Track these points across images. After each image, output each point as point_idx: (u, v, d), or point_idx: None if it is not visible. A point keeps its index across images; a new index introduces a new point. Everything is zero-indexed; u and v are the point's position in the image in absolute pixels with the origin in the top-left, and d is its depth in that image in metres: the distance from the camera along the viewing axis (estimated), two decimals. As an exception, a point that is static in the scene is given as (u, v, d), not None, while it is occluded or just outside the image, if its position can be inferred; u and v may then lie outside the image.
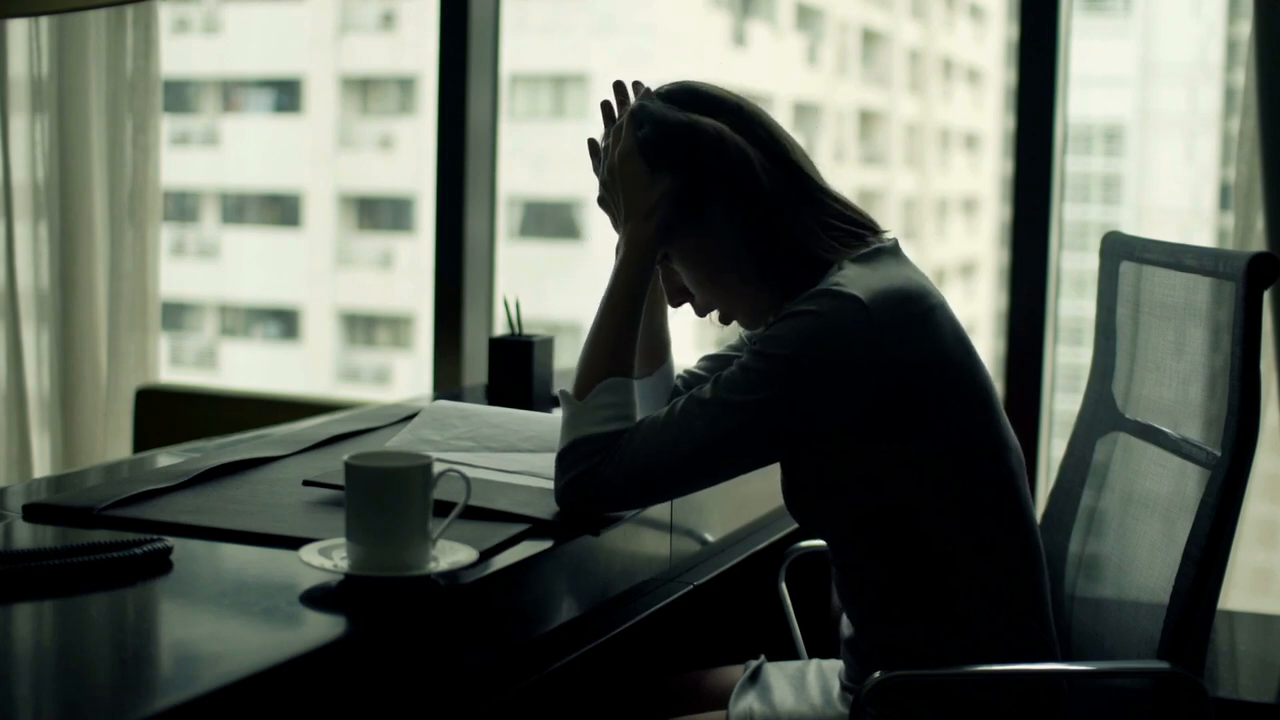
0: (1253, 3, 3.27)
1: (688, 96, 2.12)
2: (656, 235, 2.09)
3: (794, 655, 2.52)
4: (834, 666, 2.32)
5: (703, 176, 2.06)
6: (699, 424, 1.97)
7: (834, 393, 1.94)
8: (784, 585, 2.55)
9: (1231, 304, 2.10)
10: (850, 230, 2.09)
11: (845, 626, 2.19)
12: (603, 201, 2.17)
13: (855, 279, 1.98)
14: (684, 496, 2.20)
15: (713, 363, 2.29)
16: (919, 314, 1.99)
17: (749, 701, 2.21)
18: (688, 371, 2.30)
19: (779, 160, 2.09)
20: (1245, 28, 3.27)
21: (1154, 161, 33.34)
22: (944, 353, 2.01)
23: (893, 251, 2.08)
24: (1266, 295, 2.13)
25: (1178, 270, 2.24)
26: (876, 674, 2.00)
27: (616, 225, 2.15)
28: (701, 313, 2.18)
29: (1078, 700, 2.23)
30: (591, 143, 2.21)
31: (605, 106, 2.23)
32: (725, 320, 2.17)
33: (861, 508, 2.02)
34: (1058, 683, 2.12)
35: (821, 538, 2.15)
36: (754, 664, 2.31)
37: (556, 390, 2.17)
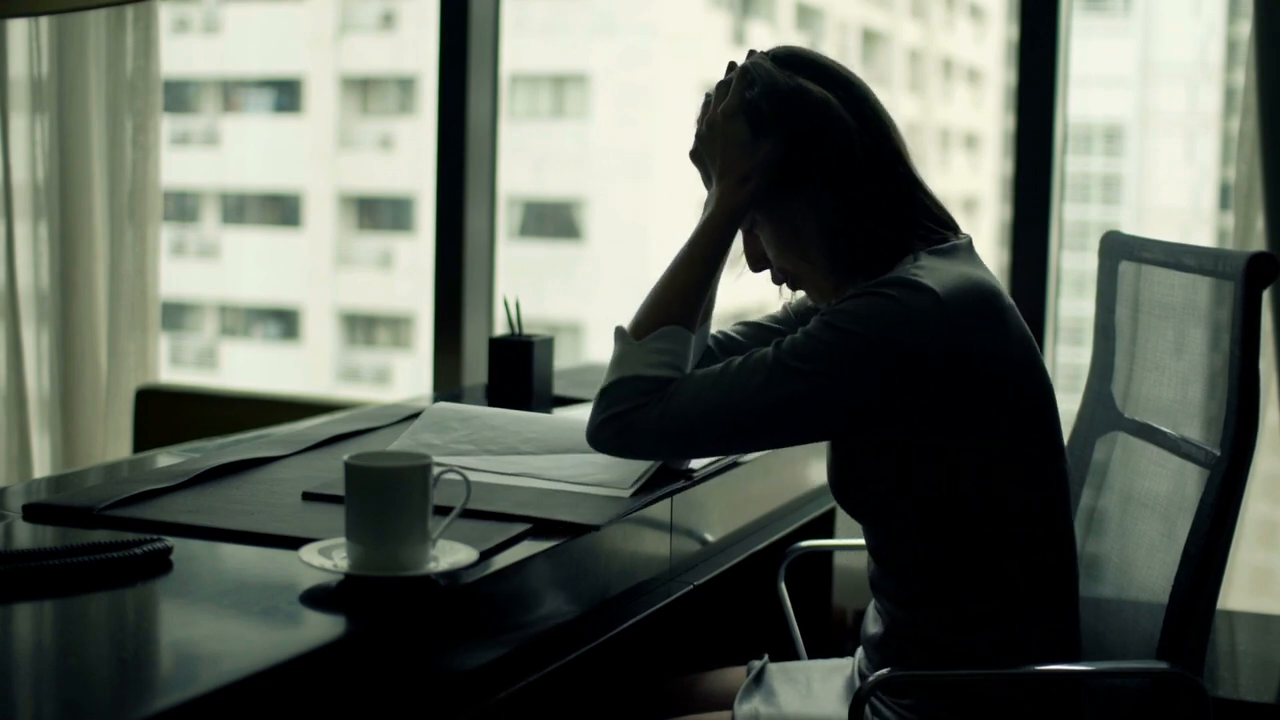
0: (1253, 3, 3.27)
1: (800, 62, 2.10)
2: (749, 199, 2.07)
3: (793, 655, 2.52)
4: (839, 667, 2.33)
5: (805, 146, 2.04)
6: (755, 385, 1.96)
7: (896, 378, 1.94)
8: (783, 585, 2.55)
9: (1230, 304, 2.10)
10: (932, 224, 2.08)
11: (871, 623, 2.19)
12: (695, 155, 2.14)
13: (932, 271, 1.97)
14: (711, 457, 2.22)
15: (749, 329, 2.29)
16: (991, 312, 1.99)
17: (754, 703, 2.21)
18: (723, 334, 2.28)
19: (879, 141, 2.08)
20: (1245, 28, 3.27)
21: (1154, 161, 33.34)
22: (1011, 353, 2.01)
23: (968, 249, 2.08)
24: (1266, 295, 2.13)
25: (1177, 270, 2.24)
26: (884, 670, 2.00)
27: (707, 181, 2.13)
28: (777, 280, 2.17)
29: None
30: (707, 95, 2.17)
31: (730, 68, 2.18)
32: (795, 288, 2.17)
33: (912, 499, 2.02)
34: (1075, 683, 2.12)
35: (865, 524, 2.14)
36: (757, 665, 2.31)
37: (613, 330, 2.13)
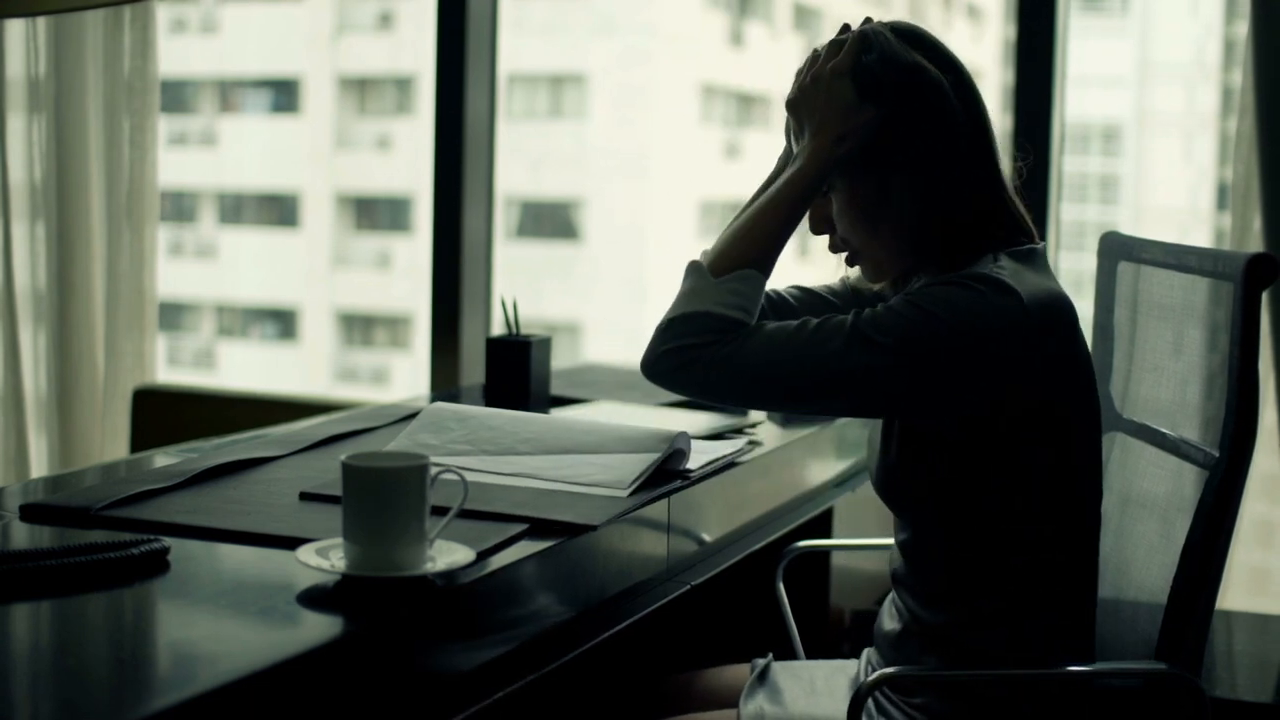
0: (1250, 3, 3.27)
1: (919, 40, 2.09)
2: (840, 160, 2.06)
3: (791, 655, 2.52)
4: (843, 668, 2.33)
5: (910, 122, 2.04)
6: (830, 348, 1.95)
7: (967, 369, 1.94)
8: (781, 585, 2.55)
9: (1228, 304, 2.10)
10: (1012, 226, 2.09)
11: (887, 619, 2.19)
12: (793, 105, 2.11)
13: (1015, 275, 1.98)
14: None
15: (804, 294, 2.28)
16: (1067, 325, 2.00)
17: (759, 702, 2.21)
18: (775, 294, 2.27)
19: (980, 135, 2.08)
20: (1243, 28, 3.27)
21: (1152, 161, 33.35)
22: (1077, 368, 2.02)
23: (1042, 257, 2.08)
24: (1265, 295, 2.13)
25: (1176, 270, 2.24)
26: (887, 670, 2.01)
27: (797, 135, 2.11)
28: (834, 249, 2.16)
29: (1075, 700, 2.23)
30: (815, 51, 2.15)
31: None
32: (852, 262, 2.16)
33: (961, 495, 2.03)
34: (1085, 683, 2.12)
35: (904, 516, 2.14)
36: (762, 663, 2.31)
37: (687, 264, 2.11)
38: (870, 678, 2.00)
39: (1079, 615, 2.09)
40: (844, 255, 2.16)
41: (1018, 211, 2.10)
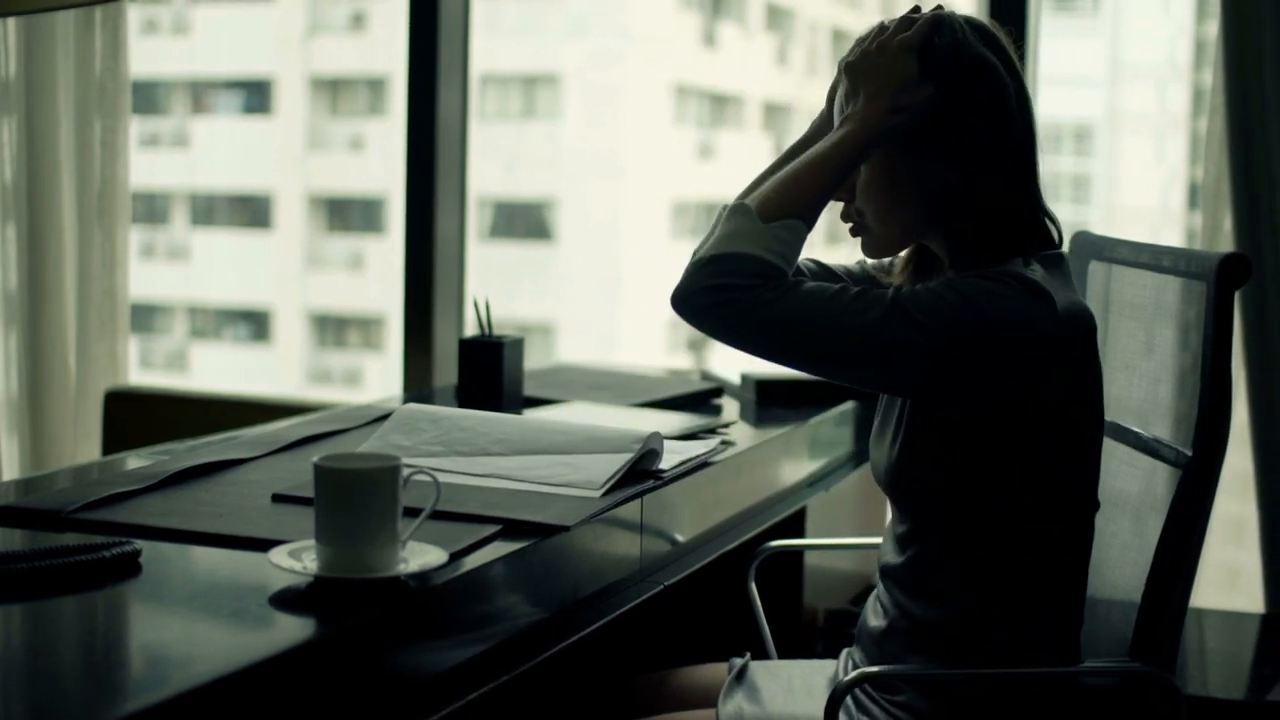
0: (1220, 3, 3.29)
1: (990, 37, 2.10)
2: (890, 130, 2.06)
3: (763, 655, 2.52)
4: (821, 668, 2.33)
5: (966, 111, 2.04)
6: (869, 317, 1.95)
7: (996, 362, 1.96)
8: (754, 585, 2.55)
9: (1199, 303, 2.11)
10: (1043, 235, 2.09)
11: (872, 616, 2.19)
12: (851, 68, 2.10)
13: (1046, 282, 1.99)
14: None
15: (818, 268, 2.27)
16: (1089, 336, 2.02)
17: (738, 701, 2.21)
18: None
19: (1028, 142, 2.09)
20: (1213, 28, 3.29)
21: (1123, 161, 33.41)
22: (1093, 378, 2.05)
23: (1067, 266, 2.10)
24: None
25: (1147, 270, 2.25)
26: (871, 668, 2.02)
27: (847, 97, 2.11)
28: (845, 217, 2.16)
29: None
30: (882, 23, 2.15)
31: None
32: (856, 233, 2.16)
33: (969, 489, 2.04)
34: (1068, 682, 2.13)
35: (908, 509, 2.14)
36: (739, 663, 2.31)
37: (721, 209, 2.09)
38: (849, 676, 2.01)
39: (1075, 616, 2.11)
40: (849, 226, 2.17)
41: (1049, 220, 2.11)
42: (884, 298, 1.96)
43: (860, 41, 2.13)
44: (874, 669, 2.05)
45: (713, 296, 1.99)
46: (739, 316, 1.99)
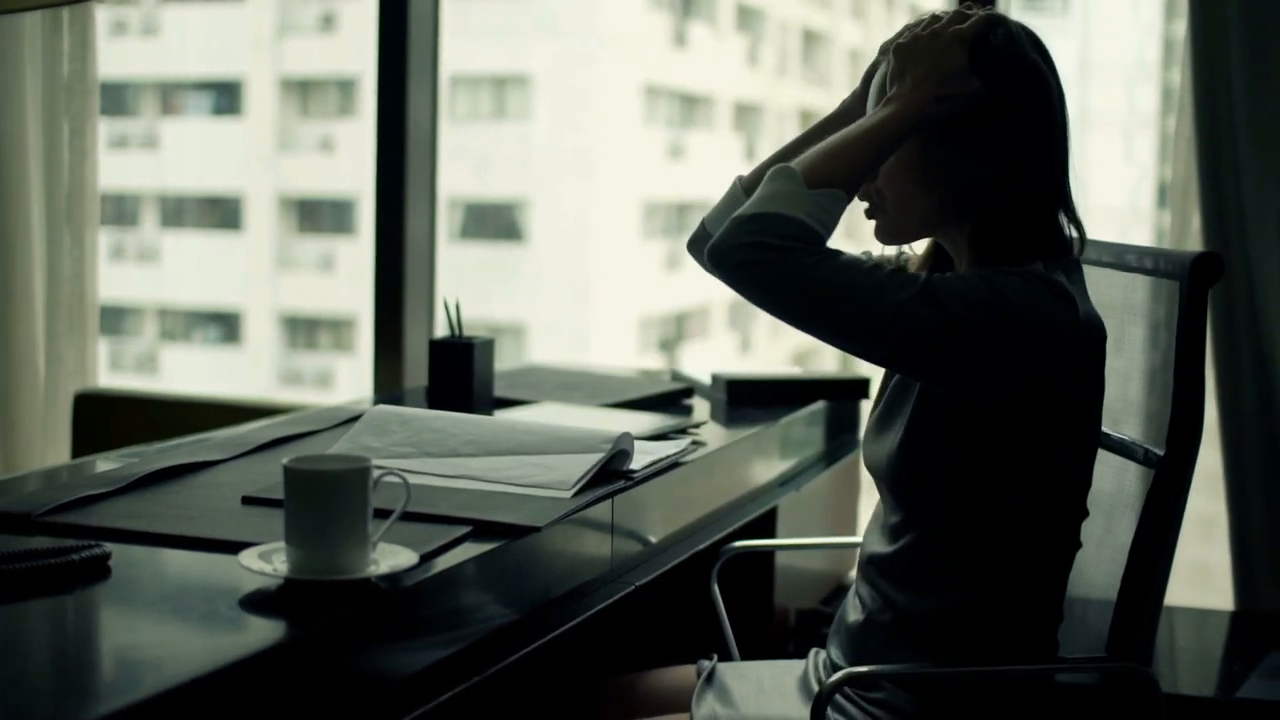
0: (1188, 3, 3.30)
1: (1040, 46, 2.12)
2: (932, 117, 2.06)
3: (727, 656, 2.51)
4: (790, 668, 2.33)
5: (1008, 110, 2.06)
6: (902, 296, 1.95)
7: (1020, 358, 1.98)
8: (716, 587, 2.54)
9: (1169, 302, 2.11)
10: (1061, 242, 2.10)
11: (851, 610, 2.19)
12: (901, 49, 2.11)
13: (1068, 286, 2.01)
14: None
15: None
16: (1101, 345, 2.05)
17: (711, 704, 2.21)
18: None
19: (1064, 150, 2.10)
20: (1182, 27, 3.30)
21: (1093, 160, 33.53)
22: (1099, 385, 2.07)
23: (1082, 273, 2.11)
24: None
25: (1116, 269, 2.26)
26: (859, 668, 2.02)
27: (890, 79, 2.11)
28: (865, 195, 2.16)
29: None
30: (934, 14, 2.16)
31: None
32: (871, 215, 2.17)
33: (970, 484, 2.05)
34: (1048, 679, 2.13)
35: (904, 499, 2.14)
36: (708, 665, 2.31)
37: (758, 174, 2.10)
38: (834, 677, 2.00)
39: (1056, 613, 2.12)
40: (866, 206, 2.17)
41: (1077, 227, 2.13)
42: (917, 280, 1.97)
43: (910, 27, 2.14)
44: (861, 669, 2.04)
45: (751, 254, 1.98)
46: (774, 277, 1.97)
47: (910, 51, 2.09)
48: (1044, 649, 2.11)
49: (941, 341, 1.95)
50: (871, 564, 2.17)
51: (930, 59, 2.06)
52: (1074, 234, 2.11)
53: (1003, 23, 2.10)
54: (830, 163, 2.04)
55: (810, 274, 1.96)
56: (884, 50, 2.19)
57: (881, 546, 2.16)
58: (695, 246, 2.39)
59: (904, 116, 2.05)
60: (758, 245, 1.97)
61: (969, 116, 2.06)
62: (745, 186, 2.33)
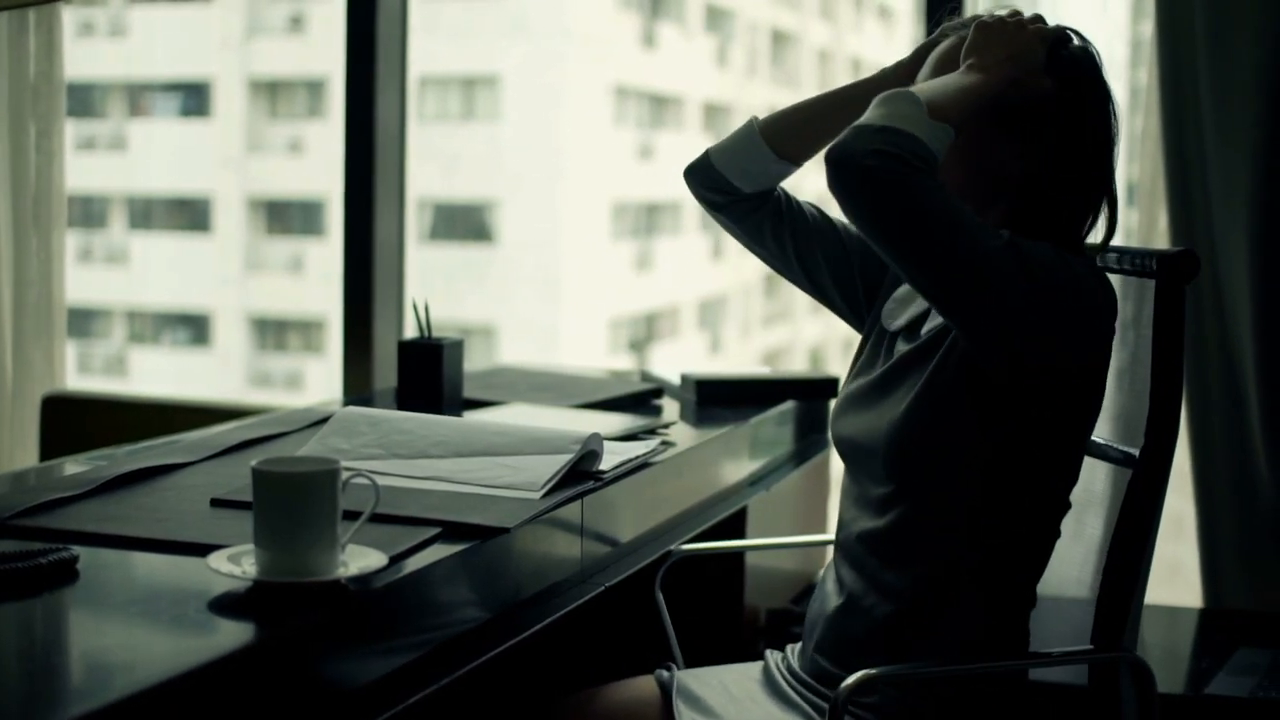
0: (1154, 3, 3.31)
1: (1103, 67, 2.18)
2: (1002, 97, 2.10)
3: (674, 661, 2.49)
4: (747, 671, 2.33)
5: (1078, 119, 2.11)
6: (992, 242, 1.97)
7: (1082, 328, 2.02)
8: (660, 593, 2.53)
9: (1137, 300, 2.12)
10: (1075, 241, 2.15)
11: (834, 596, 2.19)
12: (985, 28, 2.13)
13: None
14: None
15: (820, 215, 2.42)
16: (1115, 333, 2.09)
17: (689, 716, 2.20)
18: (800, 200, 2.42)
19: (1109, 172, 2.15)
20: (1148, 27, 3.32)
21: (1061, 160, 33.62)
22: (1104, 385, 2.12)
23: None
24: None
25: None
26: (872, 670, 2.00)
27: (966, 50, 2.13)
28: None
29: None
30: (1015, 10, 2.19)
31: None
32: None
33: (977, 470, 2.07)
34: (1021, 678, 2.14)
35: (902, 474, 2.12)
36: (667, 675, 2.30)
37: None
38: (851, 679, 1.97)
39: (1029, 599, 2.15)
40: None
41: (1106, 225, 2.17)
42: (1003, 235, 2.01)
43: (988, 14, 2.18)
44: (874, 670, 2.00)
45: (880, 160, 1.95)
46: (894, 191, 1.96)
47: (994, 31, 2.12)
48: (1017, 633, 2.13)
49: (1013, 294, 1.97)
50: (860, 541, 2.17)
51: (1013, 46, 2.10)
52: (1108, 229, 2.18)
53: (1080, 36, 2.17)
54: (941, 98, 2.05)
55: (929, 197, 1.96)
56: (945, 31, 2.24)
57: (871, 521, 2.16)
58: (694, 175, 2.45)
59: (982, 88, 2.08)
60: (887, 155, 1.95)
61: (1029, 110, 2.10)
62: (761, 127, 2.36)
